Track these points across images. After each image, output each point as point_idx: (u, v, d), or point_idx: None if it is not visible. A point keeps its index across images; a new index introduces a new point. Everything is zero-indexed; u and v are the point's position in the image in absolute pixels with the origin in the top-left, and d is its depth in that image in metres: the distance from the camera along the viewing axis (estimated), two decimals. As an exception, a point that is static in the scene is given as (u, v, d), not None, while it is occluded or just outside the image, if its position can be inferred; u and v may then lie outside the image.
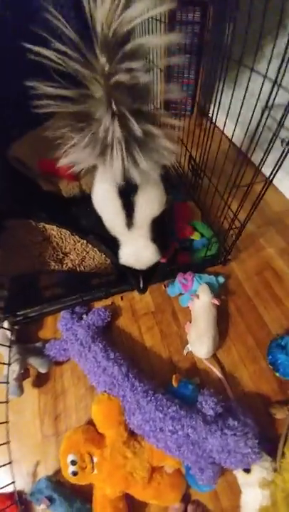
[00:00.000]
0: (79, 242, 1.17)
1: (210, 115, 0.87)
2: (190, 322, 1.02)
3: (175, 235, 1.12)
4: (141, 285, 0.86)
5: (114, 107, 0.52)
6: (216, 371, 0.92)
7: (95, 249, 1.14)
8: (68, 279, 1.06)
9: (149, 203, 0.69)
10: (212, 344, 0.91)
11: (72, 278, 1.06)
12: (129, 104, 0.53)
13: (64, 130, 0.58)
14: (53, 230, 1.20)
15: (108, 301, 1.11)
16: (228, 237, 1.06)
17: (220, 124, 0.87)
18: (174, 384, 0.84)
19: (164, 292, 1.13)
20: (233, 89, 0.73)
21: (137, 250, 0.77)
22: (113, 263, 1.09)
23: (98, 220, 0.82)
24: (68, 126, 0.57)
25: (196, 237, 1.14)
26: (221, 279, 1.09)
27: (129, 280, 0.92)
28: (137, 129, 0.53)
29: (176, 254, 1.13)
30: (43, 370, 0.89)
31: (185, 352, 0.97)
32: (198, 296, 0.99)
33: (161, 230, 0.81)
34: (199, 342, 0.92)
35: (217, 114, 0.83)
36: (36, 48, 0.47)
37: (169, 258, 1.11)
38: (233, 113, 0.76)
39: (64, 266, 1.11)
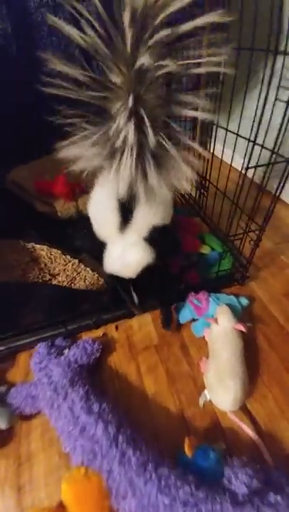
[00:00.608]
0: (70, 262, 1.02)
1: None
2: (207, 358, 0.76)
3: (181, 249, 0.95)
4: (135, 300, 0.65)
5: (131, 102, 0.48)
6: (247, 429, 0.64)
7: (87, 269, 0.98)
8: (51, 302, 0.88)
9: (151, 215, 0.63)
10: (240, 390, 0.65)
11: (55, 302, 0.88)
12: (151, 106, 0.51)
13: (76, 119, 0.54)
14: (42, 250, 1.07)
15: (99, 332, 0.89)
16: (244, 245, 0.88)
17: (219, 153, 0.90)
18: (188, 452, 0.57)
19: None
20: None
21: (123, 252, 0.64)
22: (107, 282, 0.91)
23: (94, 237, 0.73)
24: (82, 116, 0.54)
25: (205, 250, 0.96)
26: (244, 301, 0.86)
27: (125, 298, 0.72)
28: (151, 138, 0.50)
29: (182, 272, 0.94)
30: (2, 426, 0.65)
31: (201, 402, 0.70)
32: (216, 321, 0.76)
33: (163, 239, 0.70)
34: (222, 387, 0.66)
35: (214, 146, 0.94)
36: (63, 26, 0.46)
37: (175, 277, 0.92)
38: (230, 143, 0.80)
39: (50, 288, 0.94)
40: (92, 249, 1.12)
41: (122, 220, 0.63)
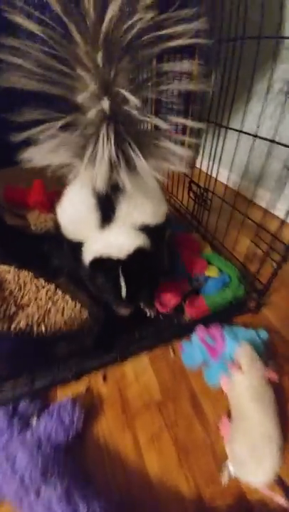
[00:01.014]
0: (44, 288, 0.79)
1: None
2: (227, 417, 0.57)
3: (183, 270, 0.77)
4: (123, 291, 0.46)
5: (102, 76, 0.45)
6: (282, 500, 0.48)
7: (66, 297, 0.76)
8: (15, 348, 0.64)
9: (138, 210, 0.53)
10: (277, 458, 0.49)
11: (20, 346, 0.64)
12: (126, 85, 0.47)
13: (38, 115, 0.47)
14: (8, 272, 0.83)
15: (80, 386, 0.65)
16: (260, 267, 0.73)
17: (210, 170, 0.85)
18: None
19: (174, 362, 0.70)
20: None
21: (113, 238, 0.51)
22: (91, 315, 0.70)
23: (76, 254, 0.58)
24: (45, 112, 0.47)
25: (212, 273, 0.79)
26: (264, 334, 0.69)
27: (108, 298, 0.54)
28: (135, 104, 0.45)
29: (186, 299, 0.75)
30: None
31: (225, 479, 0.51)
32: (240, 368, 0.57)
33: (156, 239, 0.56)
34: (255, 458, 0.49)
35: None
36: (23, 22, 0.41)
37: (177, 305, 0.74)
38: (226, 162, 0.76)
39: (15, 325, 0.70)
40: (74, 270, 0.92)
41: (102, 218, 0.52)
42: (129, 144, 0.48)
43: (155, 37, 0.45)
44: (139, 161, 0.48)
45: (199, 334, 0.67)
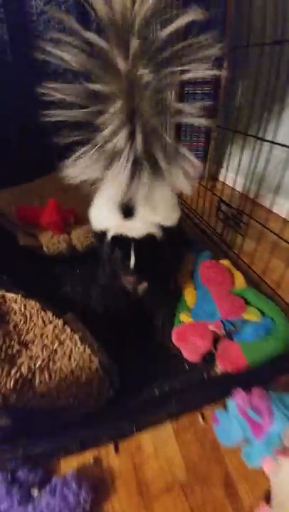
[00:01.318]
0: (51, 323, 0.70)
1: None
2: (266, 503, 0.45)
3: (214, 311, 0.64)
4: (132, 261, 0.56)
5: (124, 110, 0.53)
6: None
7: (75, 336, 0.66)
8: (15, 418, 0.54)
9: (153, 213, 0.62)
10: None
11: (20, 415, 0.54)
12: (147, 115, 0.55)
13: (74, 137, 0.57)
14: (15, 302, 0.75)
15: (88, 457, 0.54)
16: None
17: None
18: None
19: (204, 432, 0.56)
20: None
21: (131, 224, 0.61)
22: (102, 366, 0.59)
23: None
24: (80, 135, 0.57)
25: (252, 316, 0.65)
26: None
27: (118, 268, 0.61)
28: (139, 144, 0.54)
29: (217, 346, 0.62)
30: None
31: None
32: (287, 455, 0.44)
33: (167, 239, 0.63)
34: None
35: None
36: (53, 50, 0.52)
37: (205, 355, 0.61)
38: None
39: (16, 369, 0.60)
40: (86, 299, 0.82)
41: (124, 214, 0.62)
42: (144, 164, 0.57)
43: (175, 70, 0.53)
44: (150, 182, 0.58)
45: (238, 403, 0.53)
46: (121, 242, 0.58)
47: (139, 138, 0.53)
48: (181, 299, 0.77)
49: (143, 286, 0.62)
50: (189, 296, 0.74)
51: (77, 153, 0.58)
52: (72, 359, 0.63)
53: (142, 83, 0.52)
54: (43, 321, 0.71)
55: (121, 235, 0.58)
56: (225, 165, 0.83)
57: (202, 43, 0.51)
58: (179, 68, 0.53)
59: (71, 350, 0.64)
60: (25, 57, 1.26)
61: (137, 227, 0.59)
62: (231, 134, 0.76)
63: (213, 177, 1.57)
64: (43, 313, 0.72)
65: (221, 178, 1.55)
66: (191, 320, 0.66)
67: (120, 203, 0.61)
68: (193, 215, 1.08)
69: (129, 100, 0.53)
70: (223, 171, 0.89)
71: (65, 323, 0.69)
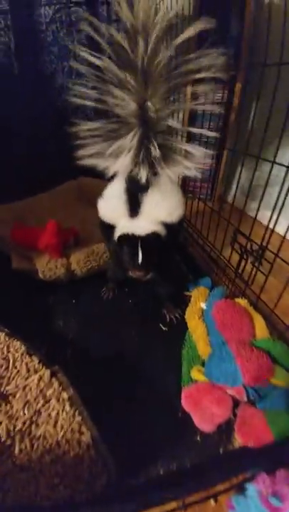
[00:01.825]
0: (36, 372, 0.59)
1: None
2: None
3: (236, 374, 0.52)
4: (139, 259, 0.60)
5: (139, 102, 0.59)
6: None
7: (63, 395, 0.55)
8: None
9: (159, 207, 0.65)
10: None
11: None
12: (157, 108, 0.60)
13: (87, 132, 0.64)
14: (-2, 340, 0.65)
15: None
16: None
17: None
18: None
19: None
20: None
21: (137, 223, 0.64)
22: (94, 440, 0.48)
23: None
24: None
25: (281, 380, 0.53)
26: None
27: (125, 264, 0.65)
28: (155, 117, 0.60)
29: (236, 414, 0.51)
30: None
31: None
32: None
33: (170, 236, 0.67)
34: None
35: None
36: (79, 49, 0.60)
37: (224, 422, 0.50)
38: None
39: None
40: (79, 339, 0.72)
41: (130, 210, 0.65)
42: (153, 144, 0.60)
43: (185, 70, 0.57)
44: (158, 157, 0.60)
45: (260, 488, 0.42)
46: (128, 240, 0.62)
47: (152, 116, 0.59)
48: (191, 343, 0.66)
49: (149, 275, 0.66)
50: (201, 342, 0.63)
51: (90, 130, 0.63)
52: (59, 426, 0.52)
53: (156, 79, 0.57)
54: (28, 369, 0.60)
55: (128, 234, 0.61)
56: (234, 187, 0.78)
57: (212, 54, 0.55)
58: (187, 69, 0.57)
59: (58, 414, 0.53)
60: (31, 68, 1.21)
61: (142, 226, 0.62)
62: (243, 156, 0.70)
63: (222, 199, 1.51)
64: (28, 358, 0.62)
65: (233, 201, 1.47)
66: (204, 379, 0.55)
67: (129, 194, 0.65)
68: (203, 240, 0.97)
69: (142, 90, 0.58)
70: (238, 194, 0.82)
71: (52, 374, 0.58)
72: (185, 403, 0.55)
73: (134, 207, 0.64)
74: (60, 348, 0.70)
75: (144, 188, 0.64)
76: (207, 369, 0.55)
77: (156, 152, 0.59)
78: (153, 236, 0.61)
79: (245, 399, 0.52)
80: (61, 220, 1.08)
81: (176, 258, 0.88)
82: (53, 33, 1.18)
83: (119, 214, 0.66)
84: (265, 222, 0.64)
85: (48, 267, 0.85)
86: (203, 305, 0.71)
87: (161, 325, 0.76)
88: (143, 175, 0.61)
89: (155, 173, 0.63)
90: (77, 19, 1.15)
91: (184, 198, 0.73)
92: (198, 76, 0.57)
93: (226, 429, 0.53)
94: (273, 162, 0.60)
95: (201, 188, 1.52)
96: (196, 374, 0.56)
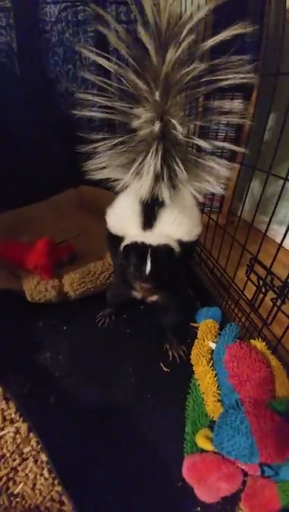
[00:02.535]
0: (13, 423, 0.50)
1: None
2: None
3: (252, 451, 0.42)
4: (147, 269, 0.52)
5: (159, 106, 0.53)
6: None
7: (41, 457, 0.46)
8: None
9: (174, 227, 0.60)
10: None
11: None
12: (178, 116, 0.55)
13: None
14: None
15: None
16: None
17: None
18: None
19: None
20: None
21: (149, 235, 0.59)
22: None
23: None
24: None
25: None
26: None
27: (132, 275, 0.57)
28: (179, 130, 0.53)
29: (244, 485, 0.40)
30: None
31: None
32: None
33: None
34: None
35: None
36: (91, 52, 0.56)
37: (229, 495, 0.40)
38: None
39: None
40: (69, 376, 0.62)
41: (144, 223, 0.60)
42: (175, 160, 0.54)
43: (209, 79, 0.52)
44: (182, 175, 0.54)
45: None
46: (137, 248, 0.55)
47: (176, 128, 0.52)
48: (197, 395, 0.56)
49: (153, 297, 0.61)
50: (210, 397, 0.53)
51: (99, 146, 0.57)
52: (37, 490, 0.43)
53: (176, 86, 0.52)
54: (3, 418, 0.51)
55: (137, 242, 0.55)
56: (246, 201, 0.70)
57: (235, 62, 0.51)
58: (212, 78, 0.52)
59: (35, 478, 0.44)
60: (34, 70, 1.14)
61: (154, 237, 0.57)
62: (258, 171, 0.63)
63: (232, 212, 1.44)
64: (4, 404, 0.52)
65: (240, 216, 1.39)
66: (212, 448, 0.45)
67: (144, 205, 0.59)
68: (212, 263, 0.87)
69: (161, 102, 0.53)
70: (250, 209, 0.76)
71: (30, 429, 0.49)
72: (188, 475, 0.45)
73: (148, 219, 0.59)
74: (44, 389, 0.60)
75: (162, 203, 0.58)
76: (217, 439, 0.45)
77: (180, 170, 0.54)
78: (165, 248, 0.55)
79: (259, 475, 0.42)
80: (58, 231, 1.01)
81: (185, 283, 0.78)
82: (58, 34, 1.11)
83: (130, 225, 0.61)
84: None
85: (36, 289, 0.75)
86: (212, 345, 0.61)
87: (162, 364, 0.66)
88: (165, 195, 0.55)
89: (174, 187, 0.57)
90: (84, 19, 1.08)
91: (200, 215, 0.68)
92: (224, 84, 0.52)
93: (230, 499, 0.44)
94: (285, 179, 0.50)
95: (213, 200, 1.43)
96: (203, 442, 0.46)
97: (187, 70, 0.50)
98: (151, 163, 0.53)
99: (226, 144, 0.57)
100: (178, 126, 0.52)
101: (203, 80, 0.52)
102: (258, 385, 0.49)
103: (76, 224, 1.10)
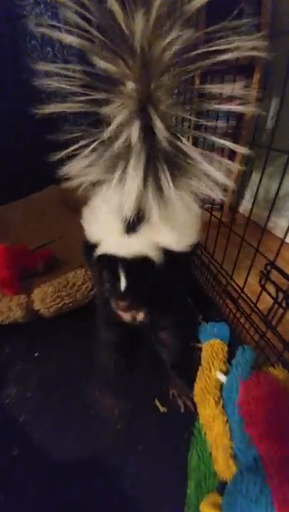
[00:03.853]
0: None
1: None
2: None
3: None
4: (122, 285, 0.44)
5: (136, 96, 0.42)
6: None
7: None
8: None
9: (159, 235, 0.48)
10: None
11: None
12: (164, 104, 0.44)
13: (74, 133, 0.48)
14: None
15: None
16: None
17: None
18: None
19: None
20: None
21: (126, 241, 0.47)
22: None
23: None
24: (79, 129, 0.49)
25: None
26: None
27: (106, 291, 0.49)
28: (163, 137, 0.42)
29: None
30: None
31: None
32: None
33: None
34: None
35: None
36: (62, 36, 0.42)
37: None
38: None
39: None
40: (38, 423, 0.48)
41: (125, 229, 0.47)
42: (162, 168, 0.44)
43: (203, 52, 0.41)
44: (168, 188, 0.44)
45: None
46: (109, 260, 0.46)
47: (158, 128, 0.41)
48: (203, 448, 0.42)
49: (140, 316, 0.52)
50: (220, 453, 0.39)
51: (75, 149, 0.48)
52: None
53: (160, 63, 0.41)
54: None
55: (106, 254, 0.47)
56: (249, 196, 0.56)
57: (239, 26, 0.39)
58: (205, 49, 0.40)
59: None
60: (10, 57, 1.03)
61: (130, 246, 0.47)
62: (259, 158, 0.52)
63: (234, 209, 1.33)
64: None
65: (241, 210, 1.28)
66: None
67: (125, 215, 0.47)
68: (216, 268, 0.73)
69: (142, 84, 0.42)
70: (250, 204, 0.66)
71: None
72: None
73: (129, 226, 0.48)
74: (6, 440, 0.46)
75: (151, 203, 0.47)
76: (228, 510, 0.31)
77: (166, 183, 0.44)
78: (142, 260, 0.46)
79: None
80: (35, 234, 0.87)
81: (183, 297, 0.65)
82: (36, 17, 1.01)
83: (108, 229, 0.50)
84: None
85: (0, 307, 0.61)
86: (221, 377, 0.47)
87: (157, 402, 0.51)
88: (154, 212, 0.45)
89: (163, 199, 0.46)
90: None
91: (200, 221, 0.54)
92: (225, 57, 0.40)
93: None
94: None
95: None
96: (208, 510, 0.32)
97: (170, 38, 0.38)
98: (134, 176, 0.43)
99: (226, 143, 0.46)
100: (159, 125, 0.41)
101: (195, 52, 0.41)
102: (285, 437, 0.35)
103: (58, 224, 0.96)
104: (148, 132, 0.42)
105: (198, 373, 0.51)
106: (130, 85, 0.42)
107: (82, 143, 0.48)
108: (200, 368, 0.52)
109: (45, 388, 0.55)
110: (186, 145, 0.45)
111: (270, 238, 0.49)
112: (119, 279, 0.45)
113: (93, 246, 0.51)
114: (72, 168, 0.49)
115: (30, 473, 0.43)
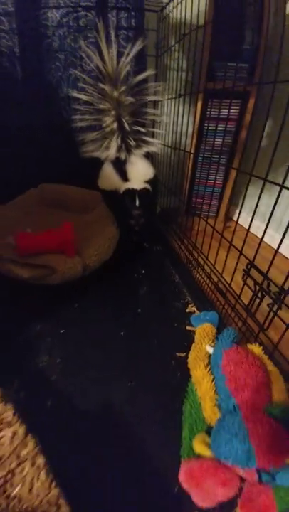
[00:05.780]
0: (10, 426, 0.50)
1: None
2: None
3: (249, 456, 0.43)
4: (137, 202, 0.96)
5: (115, 113, 1.01)
6: None
7: (38, 461, 0.46)
8: None
9: (138, 173, 1.03)
10: None
11: None
12: (128, 114, 1.02)
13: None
14: None
15: None
16: None
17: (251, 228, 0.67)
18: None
19: None
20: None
21: (132, 183, 1.00)
22: None
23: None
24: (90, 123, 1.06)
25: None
26: None
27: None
28: (127, 125, 1.01)
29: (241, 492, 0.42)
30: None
31: None
32: None
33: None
34: None
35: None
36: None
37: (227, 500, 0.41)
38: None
39: None
40: (66, 380, 0.63)
41: (122, 177, 1.02)
42: (129, 139, 1.04)
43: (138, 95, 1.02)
44: (132, 145, 1.05)
45: None
46: (129, 192, 0.97)
47: (125, 123, 1.00)
48: (194, 399, 0.56)
49: (142, 220, 1.01)
50: (208, 402, 0.53)
51: (90, 136, 1.05)
52: (34, 493, 0.43)
53: (124, 103, 0.99)
54: (0, 420, 0.51)
55: (129, 188, 0.97)
56: (241, 207, 0.72)
57: (152, 88, 1.03)
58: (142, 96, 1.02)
59: (32, 481, 0.44)
60: (35, 74, 1.15)
61: (137, 185, 0.98)
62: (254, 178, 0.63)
63: (228, 217, 1.50)
64: (1, 406, 0.52)
65: (241, 223, 1.42)
66: (209, 454, 0.45)
67: (117, 167, 1.03)
68: (210, 268, 0.88)
69: (116, 111, 1.00)
70: (246, 215, 0.81)
71: (27, 432, 0.49)
72: (184, 480, 0.45)
73: (123, 175, 1.01)
74: (41, 393, 0.60)
75: (125, 163, 1.03)
76: (214, 444, 0.45)
77: (132, 144, 1.03)
78: (145, 190, 0.98)
79: (256, 480, 0.42)
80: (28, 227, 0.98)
81: (154, 206, 1.30)
82: (59, 39, 1.13)
83: (115, 182, 1.02)
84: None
85: (67, 266, 0.81)
86: (209, 349, 0.61)
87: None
88: (124, 156, 1.03)
89: (129, 153, 1.04)
90: (85, 24, 1.09)
91: (150, 162, 1.09)
92: (148, 99, 1.03)
93: (227, 505, 0.44)
94: (282, 186, 0.51)
95: (210, 206, 1.44)
96: (200, 447, 0.46)
97: (129, 101, 0.98)
98: (115, 142, 1.02)
99: (155, 129, 1.14)
100: (126, 124, 1.00)
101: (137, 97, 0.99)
102: (255, 390, 0.50)
103: (42, 220, 1.08)
104: (121, 125, 1.00)
105: (192, 347, 0.65)
106: (112, 111, 1.00)
107: (94, 133, 1.04)
108: (193, 344, 0.67)
109: (68, 357, 0.69)
110: (140, 129, 1.02)
111: (263, 247, 0.61)
112: (135, 200, 0.96)
113: (110, 193, 1.04)
114: (88, 147, 1.04)
115: (61, 420, 0.57)
